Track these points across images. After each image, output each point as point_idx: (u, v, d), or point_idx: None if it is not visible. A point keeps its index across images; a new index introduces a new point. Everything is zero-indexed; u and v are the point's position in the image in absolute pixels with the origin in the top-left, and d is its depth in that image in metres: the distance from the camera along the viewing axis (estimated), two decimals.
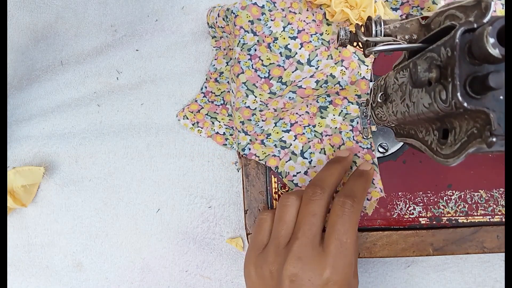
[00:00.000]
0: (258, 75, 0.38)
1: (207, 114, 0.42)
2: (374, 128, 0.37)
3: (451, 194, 0.37)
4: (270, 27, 0.37)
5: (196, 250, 0.42)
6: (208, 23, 0.43)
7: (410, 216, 0.37)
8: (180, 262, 0.42)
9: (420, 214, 0.37)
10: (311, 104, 0.39)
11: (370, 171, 0.35)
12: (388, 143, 0.38)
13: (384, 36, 0.26)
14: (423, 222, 0.37)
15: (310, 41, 0.38)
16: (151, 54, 0.44)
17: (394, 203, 0.37)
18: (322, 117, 0.38)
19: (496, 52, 0.16)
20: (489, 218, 0.37)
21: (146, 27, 0.44)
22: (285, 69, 0.38)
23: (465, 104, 0.18)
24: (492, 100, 0.18)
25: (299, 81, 0.38)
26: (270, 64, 0.38)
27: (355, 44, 0.29)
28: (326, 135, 0.38)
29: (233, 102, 0.39)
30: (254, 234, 0.35)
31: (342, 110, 0.38)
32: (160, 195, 0.43)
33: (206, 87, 0.43)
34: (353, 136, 0.37)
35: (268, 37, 0.38)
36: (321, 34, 0.38)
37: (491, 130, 0.18)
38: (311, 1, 0.37)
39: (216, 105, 0.43)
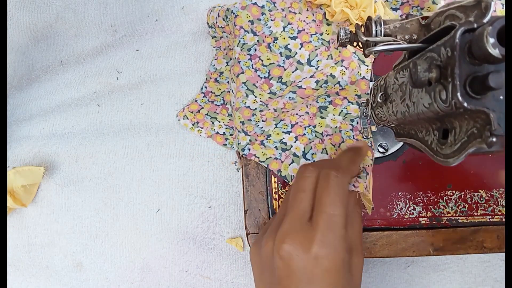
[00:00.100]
0: (258, 75, 0.38)
1: (207, 114, 0.42)
2: (374, 128, 0.37)
3: (451, 194, 0.37)
4: (270, 27, 0.37)
5: (196, 250, 0.42)
6: (208, 23, 0.43)
7: (410, 216, 0.37)
8: (180, 262, 0.42)
9: (420, 214, 0.37)
10: (311, 104, 0.39)
11: (362, 146, 0.35)
12: (388, 143, 0.38)
13: (384, 36, 0.26)
14: (423, 222, 0.37)
15: (310, 41, 0.38)
16: (151, 54, 0.44)
17: (394, 203, 0.37)
18: (322, 117, 0.38)
19: (496, 52, 0.16)
20: (489, 218, 0.37)
21: (146, 27, 0.44)
22: (285, 69, 0.38)
23: (465, 104, 0.18)
24: (492, 100, 0.18)
25: (299, 81, 0.38)
26: (270, 64, 0.38)
27: (355, 44, 0.29)
28: (326, 135, 0.38)
29: (233, 102, 0.39)
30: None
31: (342, 110, 0.38)
32: (160, 195, 0.43)
33: (206, 87, 0.43)
34: (353, 136, 0.37)
35: (268, 37, 0.38)
36: (321, 34, 0.38)
37: (491, 130, 0.18)
38: (311, 1, 0.37)
39: (216, 105, 0.43)
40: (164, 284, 0.42)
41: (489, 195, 0.37)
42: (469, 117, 0.19)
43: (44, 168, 0.43)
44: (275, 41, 0.38)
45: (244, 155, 0.38)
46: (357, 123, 0.38)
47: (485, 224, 0.37)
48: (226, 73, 0.43)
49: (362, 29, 0.28)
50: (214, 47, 0.44)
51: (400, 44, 0.25)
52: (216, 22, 0.41)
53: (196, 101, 0.43)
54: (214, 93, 0.43)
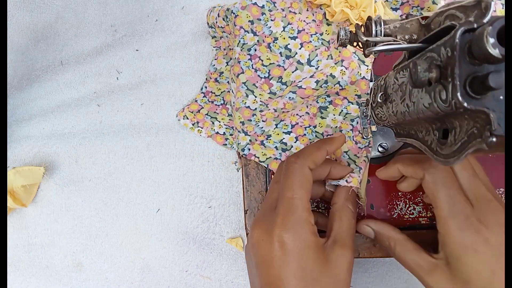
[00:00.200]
0: (258, 75, 0.38)
1: (207, 114, 0.42)
2: (374, 128, 0.37)
3: None
4: (270, 27, 0.37)
5: (196, 250, 0.42)
6: (208, 23, 0.43)
7: (410, 216, 0.37)
8: (180, 262, 0.42)
9: (420, 214, 0.37)
10: (311, 104, 0.39)
11: (335, 136, 0.36)
12: (388, 143, 0.38)
13: (384, 36, 0.26)
14: (423, 222, 0.37)
15: (310, 41, 0.38)
16: (151, 54, 0.44)
17: (394, 203, 0.37)
18: (322, 118, 0.38)
19: (496, 52, 0.16)
20: None
21: (146, 27, 0.44)
22: (285, 69, 0.38)
23: (465, 104, 0.18)
24: (492, 100, 0.18)
25: (299, 81, 0.38)
26: (270, 64, 0.38)
27: (355, 44, 0.29)
28: (327, 135, 0.38)
29: (233, 102, 0.39)
30: None
31: (342, 110, 0.38)
32: (160, 195, 0.43)
33: (206, 87, 0.43)
34: (352, 136, 0.37)
35: (268, 37, 0.37)
36: (321, 34, 0.38)
37: (491, 130, 0.18)
38: (311, 1, 0.37)
39: (216, 105, 0.43)
40: (164, 284, 0.42)
41: None
42: (469, 117, 0.19)
43: (44, 168, 0.43)
44: (275, 41, 0.38)
45: (244, 155, 0.38)
46: (357, 123, 0.38)
47: None
48: (226, 73, 0.43)
49: (362, 29, 0.28)
50: (214, 47, 0.44)
51: (400, 44, 0.25)
52: (216, 22, 0.41)
53: (196, 101, 0.43)
54: (214, 93, 0.43)
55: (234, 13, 0.37)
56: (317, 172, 0.33)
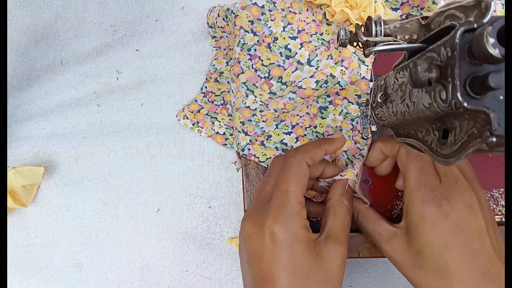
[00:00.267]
0: (258, 75, 0.38)
1: (207, 114, 0.42)
2: (374, 128, 0.37)
3: None
4: (270, 27, 0.37)
5: (196, 250, 0.42)
6: (208, 23, 0.43)
7: None
8: (180, 262, 0.42)
9: None
10: (311, 105, 0.39)
11: (335, 137, 0.36)
12: None
13: (384, 36, 0.26)
14: None
15: (310, 41, 0.38)
16: (151, 54, 0.44)
17: (394, 203, 0.37)
18: (322, 118, 0.38)
19: (496, 52, 0.16)
20: None
21: (146, 27, 0.44)
22: (285, 69, 0.38)
23: (465, 104, 0.18)
24: (492, 100, 0.18)
25: (299, 81, 0.38)
26: (270, 64, 0.38)
27: (355, 44, 0.29)
28: (328, 135, 0.38)
29: (233, 102, 0.39)
30: None
31: (342, 110, 0.38)
32: (160, 195, 0.43)
33: (206, 87, 0.43)
34: (352, 136, 0.37)
35: (268, 37, 0.38)
36: (321, 34, 0.38)
37: (491, 130, 0.18)
38: (311, 1, 0.37)
39: (216, 105, 0.43)
40: (164, 284, 0.42)
41: (489, 195, 0.37)
42: (469, 117, 0.19)
43: (44, 168, 0.43)
44: (275, 41, 0.38)
45: (244, 155, 0.38)
46: (357, 123, 0.38)
47: None
48: (226, 73, 0.43)
49: (362, 29, 0.28)
50: (214, 47, 0.44)
51: (400, 44, 0.25)
52: (216, 22, 0.41)
53: (196, 101, 0.43)
54: (214, 93, 0.43)
55: (234, 13, 0.37)
56: (311, 169, 0.33)
